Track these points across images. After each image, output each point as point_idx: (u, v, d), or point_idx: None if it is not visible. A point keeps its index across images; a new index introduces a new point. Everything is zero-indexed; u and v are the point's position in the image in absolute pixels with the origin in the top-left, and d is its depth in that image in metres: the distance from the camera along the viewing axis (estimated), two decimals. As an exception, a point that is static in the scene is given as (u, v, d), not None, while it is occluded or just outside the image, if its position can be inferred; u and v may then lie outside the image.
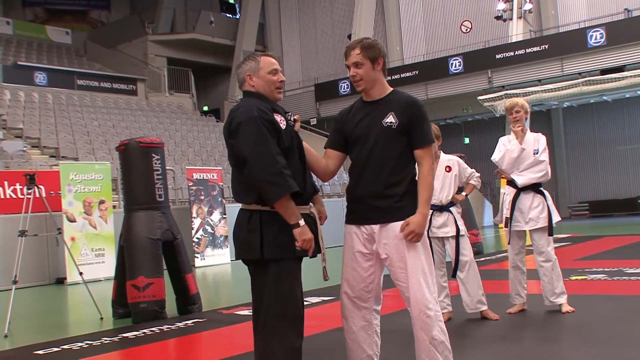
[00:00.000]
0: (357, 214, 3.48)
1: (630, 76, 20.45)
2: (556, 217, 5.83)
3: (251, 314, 3.34)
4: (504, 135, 6.29)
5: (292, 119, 3.36)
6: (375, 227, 3.40)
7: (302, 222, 3.15)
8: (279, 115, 3.26)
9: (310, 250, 3.19)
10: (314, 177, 3.52)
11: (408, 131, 3.40)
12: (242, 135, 3.13)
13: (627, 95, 23.74)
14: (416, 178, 3.44)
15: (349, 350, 3.53)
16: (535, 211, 5.76)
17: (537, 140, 5.83)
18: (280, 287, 3.17)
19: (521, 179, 5.79)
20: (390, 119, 3.40)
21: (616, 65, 21.12)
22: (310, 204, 3.37)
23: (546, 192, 5.86)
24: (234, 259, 3.52)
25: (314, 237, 3.22)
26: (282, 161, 3.11)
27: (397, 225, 3.36)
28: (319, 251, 3.31)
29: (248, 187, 3.18)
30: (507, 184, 5.95)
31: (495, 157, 5.93)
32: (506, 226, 5.91)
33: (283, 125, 3.24)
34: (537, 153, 5.78)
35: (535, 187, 5.81)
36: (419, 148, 3.42)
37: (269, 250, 3.15)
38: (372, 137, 3.41)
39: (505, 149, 5.84)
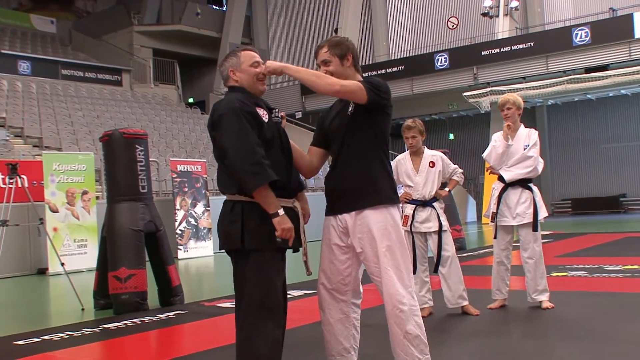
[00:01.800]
0: (332, 204, 3.53)
1: (614, 75, 20.59)
2: (543, 213, 5.85)
3: (233, 306, 3.35)
4: (488, 131, 6.34)
5: (278, 116, 3.40)
6: (349, 220, 3.42)
7: (281, 211, 3.16)
8: (261, 109, 3.29)
9: (290, 239, 3.19)
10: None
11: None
12: (222, 127, 3.18)
13: (611, 94, 23.89)
14: (383, 163, 3.48)
15: (326, 342, 3.55)
16: (523, 206, 5.78)
17: (528, 136, 5.83)
18: (260, 278, 3.18)
19: (508, 175, 5.82)
20: (351, 106, 3.45)
21: (600, 64, 21.26)
22: (295, 199, 3.39)
23: (535, 188, 5.87)
24: (217, 250, 3.49)
25: (294, 229, 3.23)
26: (261, 151, 3.14)
27: (369, 216, 3.38)
28: (301, 245, 3.33)
29: (232, 178, 3.22)
30: (497, 179, 5.98)
31: (484, 153, 5.98)
32: (492, 221, 5.93)
33: (265, 118, 3.27)
34: (527, 148, 5.80)
35: (523, 183, 5.83)
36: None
37: (249, 240, 3.17)
38: (342, 130, 3.47)
39: (492, 145, 5.88)
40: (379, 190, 3.42)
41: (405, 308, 3.33)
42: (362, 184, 3.41)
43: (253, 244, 3.17)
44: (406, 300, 3.35)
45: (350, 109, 3.45)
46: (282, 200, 3.24)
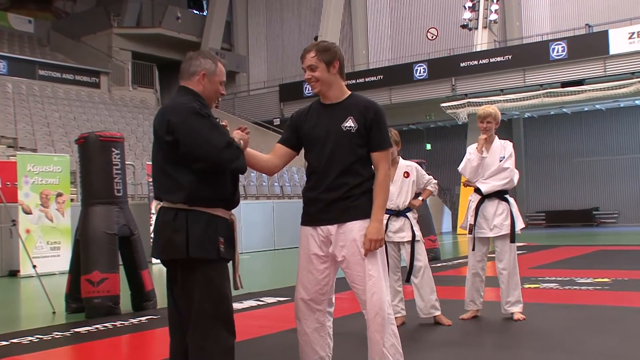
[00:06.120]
0: (314, 215, 3.48)
1: (589, 90, 20.87)
2: (520, 225, 5.88)
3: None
4: (465, 142, 6.37)
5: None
6: (332, 229, 3.42)
7: None
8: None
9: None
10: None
11: (367, 134, 3.43)
12: (191, 127, 3.09)
13: (586, 109, 24.19)
14: (372, 176, 3.47)
15: (302, 352, 3.55)
16: (499, 218, 5.81)
17: (503, 148, 5.86)
18: (211, 288, 3.12)
19: (485, 187, 5.85)
20: (350, 123, 3.42)
21: (576, 79, 21.53)
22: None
23: (511, 199, 5.91)
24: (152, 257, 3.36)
25: (230, 239, 3.21)
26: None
27: (354, 225, 3.38)
28: (233, 257, 3.26)
29: (177, 184, 3.12)
30: (474, 191, 6.01)
31: (459, 166, 6.02)
32: (470, 233, 5.96)
33: None
34: (503, 160, 5.84)
35: (499, 194, 5.86)
36: (377, 151, 3.46)
37: (195, 250, 3.08)
38: (330, 141, 3.43)
39: (467, 158, 5.92)
40: (363, 206, 3.41)
41: (386, 316, 3.36)
42: (348, 200, 3.39)
43: (198, 253, 3.08)
44: (387, 309, 3.38)
45: (346, 125, 3.41)
46: (225, 212, 3.20)
